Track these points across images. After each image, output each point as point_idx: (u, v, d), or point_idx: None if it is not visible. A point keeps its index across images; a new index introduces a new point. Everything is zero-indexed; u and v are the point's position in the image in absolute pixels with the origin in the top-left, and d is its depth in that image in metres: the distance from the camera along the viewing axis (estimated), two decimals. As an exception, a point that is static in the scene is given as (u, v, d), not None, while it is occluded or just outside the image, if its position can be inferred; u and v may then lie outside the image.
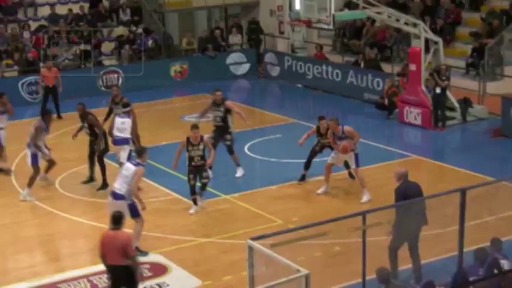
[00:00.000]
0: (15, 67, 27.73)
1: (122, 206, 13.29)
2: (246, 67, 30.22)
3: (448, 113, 22.53)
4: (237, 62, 30.14)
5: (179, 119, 23.73)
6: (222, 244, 14.60)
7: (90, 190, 17.64)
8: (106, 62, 29.01)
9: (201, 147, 16.19)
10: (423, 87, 22.27)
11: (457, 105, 22.76)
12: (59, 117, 24.05)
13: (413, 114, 22.37)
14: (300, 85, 27.95)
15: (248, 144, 20.72)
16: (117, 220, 11.19)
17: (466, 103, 22.86)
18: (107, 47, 29.86)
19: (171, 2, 30.86)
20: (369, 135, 21.19)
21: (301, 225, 10.65)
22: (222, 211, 16.32)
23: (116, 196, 13.66)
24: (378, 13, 22.32)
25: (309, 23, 21.50)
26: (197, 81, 28.14)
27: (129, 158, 16.10)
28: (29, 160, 17.36)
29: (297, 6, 21.60)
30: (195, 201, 16.26)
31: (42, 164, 17.75)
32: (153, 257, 13.88)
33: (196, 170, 16.13)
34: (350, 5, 27.05)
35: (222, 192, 17.29)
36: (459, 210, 10.59)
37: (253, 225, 15.22)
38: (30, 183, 17.23)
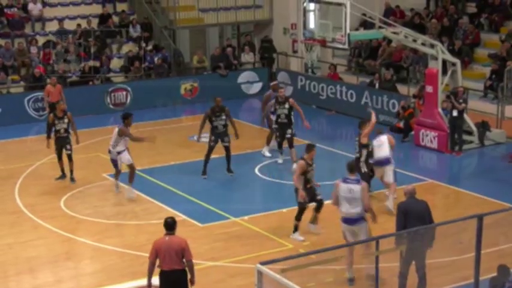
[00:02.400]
0: (22, 82, 27.85)
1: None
2: (258, 86, 30.28)
3: (466, 137, 22.47)
4: (249, 81, 30.24)
5: (188, 139, 23.74)
6: (230, 268, 14.55)
7: (95, 210, 17.67)
8: (114, 79, 29.12)
9: (286, 106, 20.05)
10: (440, 110, 22.23)
11: (474, 128, 22.70)
12: (65, 134, 24.04)
13: (429, 137, 22.33)
14: (313, 106, 27.91)
15: (259, 166, 20.72)
16: (171, 226, 11.61)
17: (483, 127, 22.83)
18: (116, 63, 29.98)
19: (182, 19, 31.01)
20: None
21: (313, 249, 10.59)
22: (230, 234, 16.25)
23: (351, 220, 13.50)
24: (395, 33, 22.33)
25: (323, 42, 21.51)
26: (208, 100, 28.11)
27: None
28: (123, 160, 18.50)
29: (312, 24, 21.61)
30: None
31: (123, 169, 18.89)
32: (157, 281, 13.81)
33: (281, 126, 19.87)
34: (366, 25, 27.13)
35: (231, 214, 17.27)
36: (475, 236, 10.53)
37: (263, 249, 15.18)
38: (131, 179, 18.55)
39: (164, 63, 29.55)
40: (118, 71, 29.65)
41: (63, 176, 19.70)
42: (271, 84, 22.99)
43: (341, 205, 13.41)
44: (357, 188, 13.31)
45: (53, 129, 19.50)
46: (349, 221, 13.43)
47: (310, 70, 29.61)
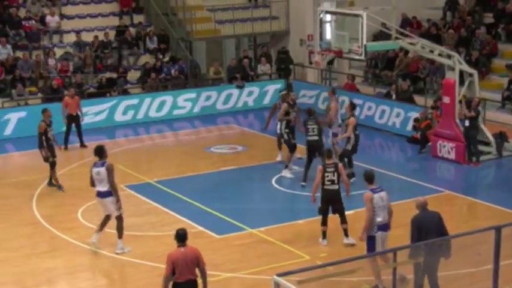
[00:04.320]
0: (39, 94, 27.97)
1: None
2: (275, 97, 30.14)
3: (483, 148, 22.36)
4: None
5: (205, 150, 23.78)
6: (247, 280, 14.52)
7: (112, 221, 17.64)
8: (132, 90, 29.23)
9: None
10: (457, 121, 22.17)
11: (492, 139, 22.56)
12: (83, 145, 24.23)
13: (446, 148, 22.24)
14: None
15: (276, 177, 20.71)
16: (183, 237, 11.69)
17: (501, 137, 22.69)
18: (133, 75, 30.08)
19: (199, 31, 31.09)
20: (401, 170, 21.27)
21: (330, 261, 10.54)
22: (247, 245, 16.22)
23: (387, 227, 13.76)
24: (411, 44, 22.26)
25: (339, 53, 21.46)
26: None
27: None
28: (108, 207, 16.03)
29: (328, 35, 21.58)
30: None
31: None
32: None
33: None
34: (382, 36, 27.09)
35: (248, 225, 17.24)
36: (493, 248, 10.46)
37: (280, 261, 15.14)
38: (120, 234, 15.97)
39: (181, 74, 29.65)
40: (135, 82, 29.78)
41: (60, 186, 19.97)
42: (281, 94, 22.98)
43: (378, 215, 13.49)
44: (386, 195, 13.60)
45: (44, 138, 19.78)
46: (385, 227, 13.63)
47: (327, 81, 29.53)
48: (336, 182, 15.73)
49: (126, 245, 15.96)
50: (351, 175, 19.30)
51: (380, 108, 26.20)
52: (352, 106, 20.50)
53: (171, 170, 21.60)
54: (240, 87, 29.56)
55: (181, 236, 11.68)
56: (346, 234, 15.92)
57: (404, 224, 16.27)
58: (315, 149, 19.68)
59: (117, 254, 15.80)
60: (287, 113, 20.89)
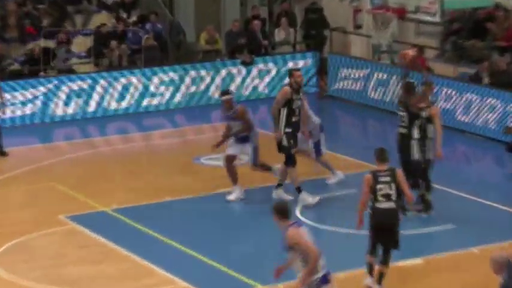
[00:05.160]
0: None
1: None
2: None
3: None
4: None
5: (192, 161, 23.85)
6: None
7: (46, 272, 17.55)
8: (79, 68, 29.29)
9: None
10: None
11: None
12: (2, 153, 24.22)
13: None
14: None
15: (301, 205, 20.58)
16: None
17: None
18: (81, 44, 30.25)
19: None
20: (495, 194, 21.32)
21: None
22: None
23: None
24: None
25: (402, 13, 21.33)
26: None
27: None
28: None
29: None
30: None
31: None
32: None
33: None
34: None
35: (258, 280, 17.10)
36: None
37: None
38: None
39: (156, 44, 29.79)
40: (84, 55, 29.86)
41: None
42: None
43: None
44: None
45: None
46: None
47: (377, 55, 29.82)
48: (392, 197, 15.77)
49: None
50: (426, 206, 19.41)
51: (464, 98, 26.23)
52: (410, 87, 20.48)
53: (138, 192, 21.67)
54: (247, 64, 29.75)
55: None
56: (380, 282, 16.05)
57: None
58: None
59: None
60: (288, 103, 20.69)
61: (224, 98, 21.05)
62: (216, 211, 20.68)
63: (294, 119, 20.52)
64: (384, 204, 15.78)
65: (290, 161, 20.61)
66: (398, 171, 16.12)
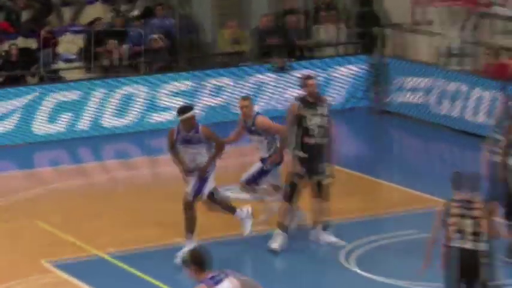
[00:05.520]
0: None
1: None
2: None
3: None
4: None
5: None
6: None
7: None
8: (67, 74, 29.13)
9: (320, 111, 20.52)
10: None
11: None
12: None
13: None
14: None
15: (348, 248, 20.12)
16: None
17: None
18: (69, 44, 30.11)
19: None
20: None
21: None
22: None
23: None
24: None
25: (473, 4, 20.75)
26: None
27: None
28: None
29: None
30: None
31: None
32: None
33: None
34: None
35: None
36: None
37: None
38: None
39: (164, 44, 29.77)
40: (73, 58, 29.48)
41: None
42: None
43: None
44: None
45: None
46: None
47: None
48: (478, 236, 15.33)
49: None
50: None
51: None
52: None
53: (140, 232, 21.38)
54: (280, 69, 29.26)
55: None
56: None
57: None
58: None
59: None
60: (298, 121, 20.32)
61: (185, 116, 20.24)
62: (242, 260, 20.58)
63: (307, 140, 20.01)
64: (461, 244, 15.32)
65: (288, 195, 20.47)
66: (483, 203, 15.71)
